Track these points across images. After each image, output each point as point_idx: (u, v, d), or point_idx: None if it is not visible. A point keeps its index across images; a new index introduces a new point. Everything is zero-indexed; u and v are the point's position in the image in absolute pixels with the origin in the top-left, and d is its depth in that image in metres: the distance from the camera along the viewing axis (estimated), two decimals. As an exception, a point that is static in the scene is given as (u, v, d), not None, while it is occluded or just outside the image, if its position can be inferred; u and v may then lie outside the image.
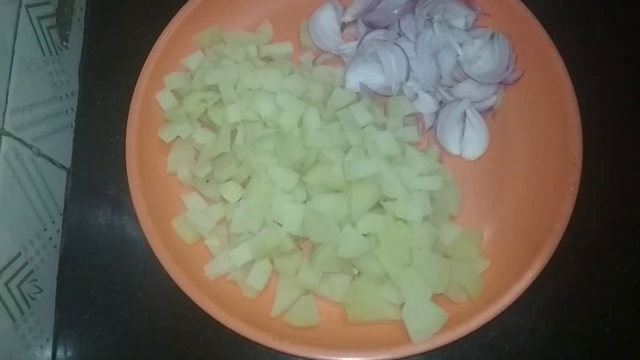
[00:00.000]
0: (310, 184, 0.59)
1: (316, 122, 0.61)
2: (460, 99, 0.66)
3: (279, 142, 0.61)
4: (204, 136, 0.64)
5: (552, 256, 0.57)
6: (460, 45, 0.66)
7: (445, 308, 0.57)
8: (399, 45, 0.67)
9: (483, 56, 0.67)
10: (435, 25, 0.66)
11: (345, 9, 0.71)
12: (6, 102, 0.60)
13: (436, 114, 0.67)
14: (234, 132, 0.63)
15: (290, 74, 0.66)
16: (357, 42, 0.69)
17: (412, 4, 0.68)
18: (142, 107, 0.65)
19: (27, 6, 0.65)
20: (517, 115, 0.66)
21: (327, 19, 0.70)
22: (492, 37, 0.67)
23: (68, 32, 0.74)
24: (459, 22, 0.67)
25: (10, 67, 0.61)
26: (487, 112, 0.67)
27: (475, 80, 0.66)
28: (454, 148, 0.66)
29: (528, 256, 0.58)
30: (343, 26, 0.71)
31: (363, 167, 0.58)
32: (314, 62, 0.70)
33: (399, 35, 0.69)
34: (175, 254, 0.60)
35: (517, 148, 0.65)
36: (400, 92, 0.67)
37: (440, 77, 0.67)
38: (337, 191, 0.59)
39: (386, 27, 0.69)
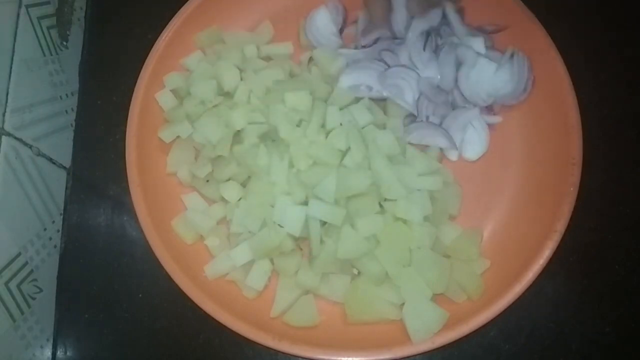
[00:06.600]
0: (309, 185, 0.59)
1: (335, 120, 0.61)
2: (471, 107, 0.65)
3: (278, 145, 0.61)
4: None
5: (552, 256, 0.57)
6: (476, 66, 0.65)
7: (445, 308, 0.56)
8: (416, 72, 0.65)
9: (502, 78, 0.65)
10: (447, 49, 0.65)
11: (345, 8, 0.70)
12: (6, 102, 0.60)
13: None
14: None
15: (290, 73, 0.66)
16: (356, 48, 0.69)
17: (424, 35, 0.66)
18: (142, 107, 0.65)
19: (27, 6, 0.65)
20: (517, 115, 0.66)
21: (322, 20, 0.69)
22: (512, 56, 0.65)
23: (68, 32, 0.74)
24: (478, 45, 0.66)
25: (10, 67, 0.61)
26: (488, 112, 0.67)
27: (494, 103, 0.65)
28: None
29: (528, 256, 0.57)
30: (343, 25, 0.71)
31: (356, 181, 0.58)
32: (309, 61, 0.69)
33: (396, 38, 0.68)
34: (175, 254, 0.60)
35: (517, 148, 0.65)
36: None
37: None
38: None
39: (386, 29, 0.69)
